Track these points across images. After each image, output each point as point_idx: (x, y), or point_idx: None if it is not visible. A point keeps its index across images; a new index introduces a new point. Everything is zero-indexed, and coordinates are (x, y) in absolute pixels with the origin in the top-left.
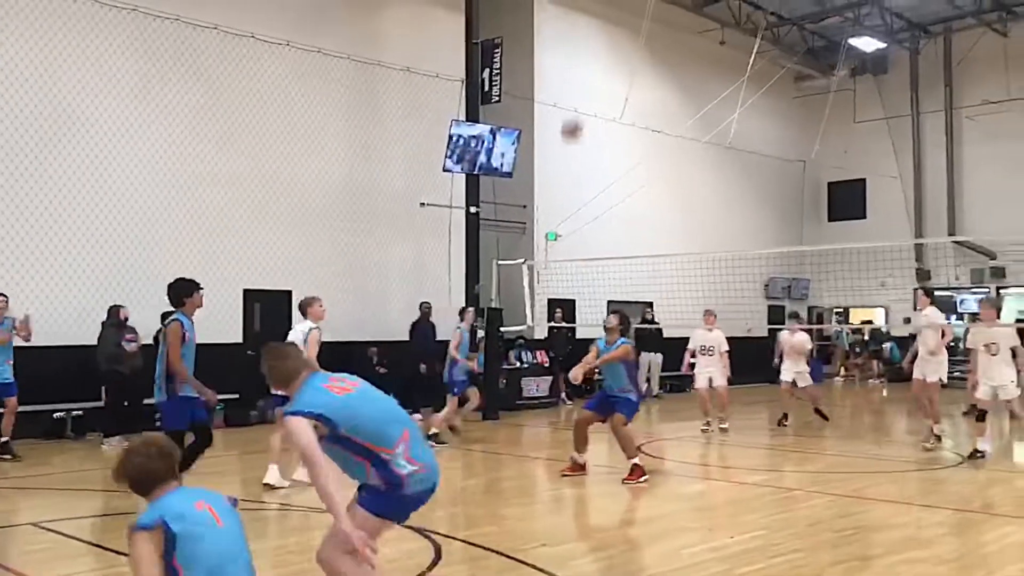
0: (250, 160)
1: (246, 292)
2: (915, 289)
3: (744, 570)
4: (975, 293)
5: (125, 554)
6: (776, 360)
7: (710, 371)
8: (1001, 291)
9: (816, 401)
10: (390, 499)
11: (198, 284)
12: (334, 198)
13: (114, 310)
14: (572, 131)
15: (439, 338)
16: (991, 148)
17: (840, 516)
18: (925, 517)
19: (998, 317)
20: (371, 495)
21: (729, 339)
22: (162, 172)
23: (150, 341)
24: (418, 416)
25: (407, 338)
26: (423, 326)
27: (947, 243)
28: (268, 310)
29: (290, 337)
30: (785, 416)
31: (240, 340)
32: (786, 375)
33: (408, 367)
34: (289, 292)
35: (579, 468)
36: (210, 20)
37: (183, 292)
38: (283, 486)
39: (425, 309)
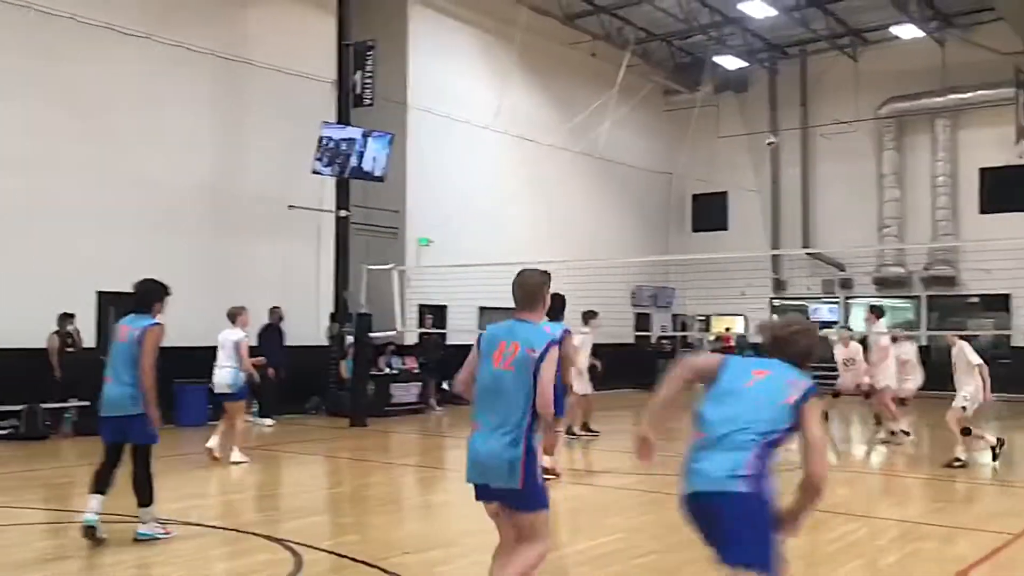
0: (106, 156)
1: (100, 295)
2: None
3: (603, 572)
4: (826, 303)
5: None
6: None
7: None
8: (849, 301)
9: (586, 415)
10: None
11: (168, 288)
12: (197, 198)
13: None
14: None
15: (288, 343)
16: (841, 166)
17: None
18: None
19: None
20: None
21: (600, 345)
22: (9, 167)
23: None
24: (269, 421)
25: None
26: (272, 331)
27: (801, 255)
28: (124, 314)
29: (220, 341)
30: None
31: (94, 345)
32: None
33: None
34: None
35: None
36: (65, 9)
37: (155, 296)
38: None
39: (277, 314)
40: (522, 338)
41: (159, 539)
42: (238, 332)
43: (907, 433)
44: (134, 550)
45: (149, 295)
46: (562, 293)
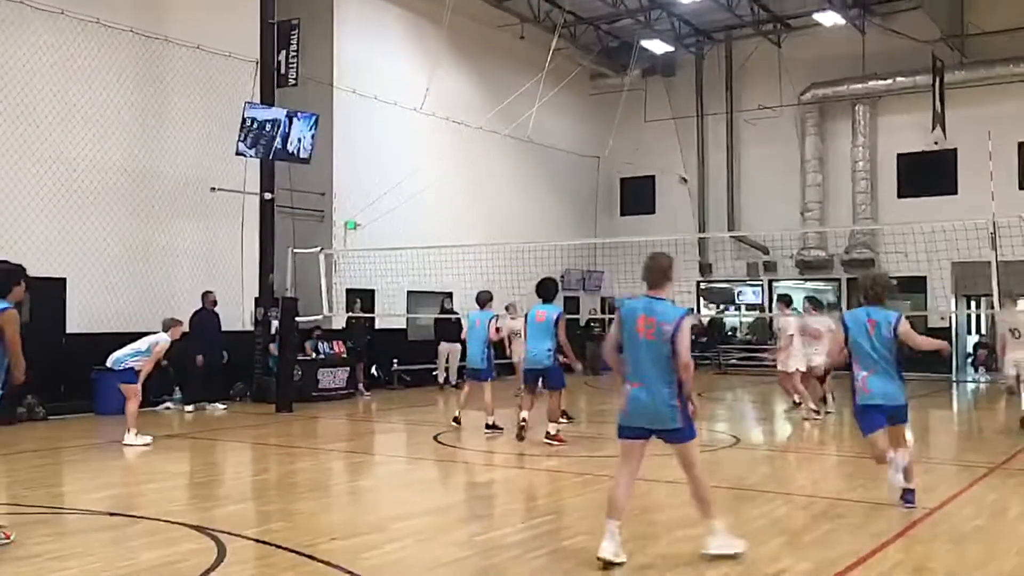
0: (21, 136)
1: None
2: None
3: (535, 554)
4: (751, 286)
5: None
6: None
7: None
8: (773, 283)
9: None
10: None
11: (24, 270)
12: (116, 179)
13: None
14: None
15: (225, 328)
16: (766, 150)
17: None
18: None
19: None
20: None
21: None
22: None
23: None
24: (190, 408)
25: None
26: (206, 316)
27: (726, 238)
28: (39, 299)
29: (145, 342)
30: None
31: None
32: None
33: (188, 359)
34: (63, 280)
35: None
36: None
37: (10, 278)
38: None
39: (210, 298)
40: (658, 314)
41: None
42: (163, 336)
43: (816, 412)
44: (49, 541)
45: (5, 277)
46: (555, 278)
